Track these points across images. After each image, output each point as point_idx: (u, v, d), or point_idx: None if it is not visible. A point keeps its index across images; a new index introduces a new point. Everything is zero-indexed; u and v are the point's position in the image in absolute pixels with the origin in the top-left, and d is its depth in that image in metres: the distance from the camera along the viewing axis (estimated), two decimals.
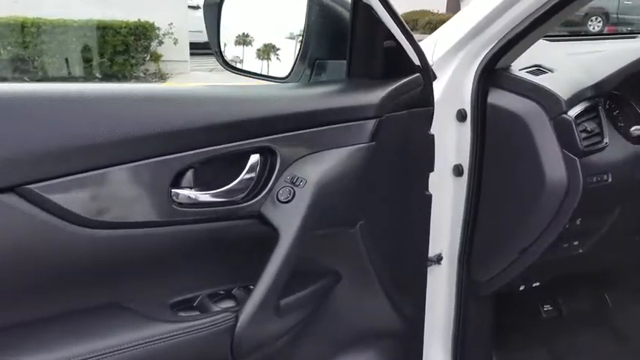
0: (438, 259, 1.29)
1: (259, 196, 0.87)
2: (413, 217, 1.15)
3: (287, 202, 0.86)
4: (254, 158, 0.87)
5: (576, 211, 1.12)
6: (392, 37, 1.00)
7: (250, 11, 1.16)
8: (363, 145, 0.95)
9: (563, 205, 1.11)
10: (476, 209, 1.23)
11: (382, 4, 0.97)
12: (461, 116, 1.20)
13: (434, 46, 1.23)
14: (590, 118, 1.13)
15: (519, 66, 1.22)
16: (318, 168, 0.90)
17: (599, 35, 1.91)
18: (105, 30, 7.96)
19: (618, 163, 1.14)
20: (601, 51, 1.34)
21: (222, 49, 1.16)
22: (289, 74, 1.11)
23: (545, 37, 1.55)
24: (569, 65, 1.25)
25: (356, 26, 1.01)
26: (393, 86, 1.01)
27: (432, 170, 1.17)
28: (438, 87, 1.20)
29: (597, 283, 1.59)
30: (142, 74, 8.27)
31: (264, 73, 1.16)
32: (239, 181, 0.86)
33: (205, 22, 1.16)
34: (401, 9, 1.01)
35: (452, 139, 1.22)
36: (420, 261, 1.20)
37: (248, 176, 0.87)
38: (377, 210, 1.05)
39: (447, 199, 1.25)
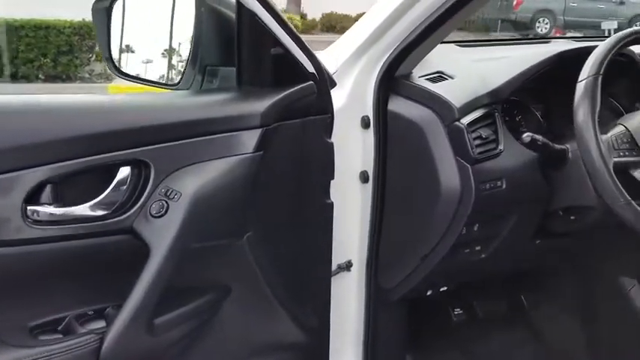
0: (348, 265, 1.28)
1: (131, 211, 0.84)
2: (313, 225, 1.14)
3: (159, 216, 0.83)
4: (125, 171, 0.84)
5: (472, 218, 1.12)
6: (280, 44, 0.98)
7: (141, 16, 1.13)
8: (248, 155, 0.93)
9: (457, 212, 1.11)
10: (381, 216, 1.23)
11: (268, 11, 0.94)
12: (364, 123, 1.20)
13: (338, 52, 1.22)
14: (486, 124, 1.14)
15: (423, 72, 1.23)
16: (196, 180, 0.87)
17: (513, 40, 1.93)
18: (48, 30, 7.73)
19: (513, 169, 1.14)
20: (509, 57, 1.35)
21: (114, 55, 1.12)
22: (180, 81, 1.08)
23: (458, 42, 1.57)
24: (470, 72, 1.26)
25: (241, 33, 0.99)
26: (282, 94, 0.98)
27: (332, 178, 1.16)
28: (342, 93, 1.19)
29: (514, 284, 1.61)
30: (87, 75, 8.07)
31: (157, 79, 1.13)
32: (106, 196, 0.82)
33: (95, 28, 1.12)
34: None
35: (357, 145, 1.21)
36: (323, 270, 1.19)
37: (117, 190, 0.83)
38: (268, 220, 1.02)
39: (355, 205, 1.24)
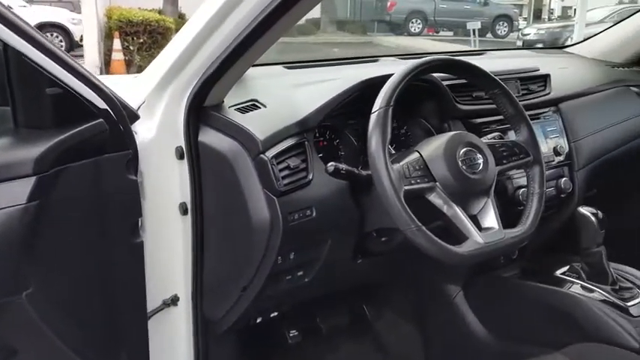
0: (174, 300, 1.24)
1: None
2: (121, 267, 1.09)
3: None
4: None
5: (286, 247, 1.12)
6: (58, 83, 0.91)
7: None
8: (20, 206, 0.86)
9: (269, 243, 1.11)
10: (202, 247, 1.20)
11: (40, 50, 0.88)
12: (179, 154, 1.16)
13: (146, 81, 1.17)
14: (296, 154, 1.14)
15: (236, 100, 1.21)
16: None
17: (341, 60, 1.94)
18: None
19: (323, 197, 1.15)
20: (330, 80, 1.36)
21: None
22: None
23: (286, 63, 1.56)
24: (284, 99, 1.26)
25: (11, 74, 0.91)
26: (63, 136, 0.92)
27: (140, 216, 1.11)
28: (153, 124, 1.15)
29: (355, 297, 1.64)
30: None
31: None
32: None
33: None
34: None
35: (174, 176, 1.18)
36: (136, 312, 1.14)
37: None
38: (59, 272, 0.96)
39: (176, 237, 1.20)
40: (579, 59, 1.94)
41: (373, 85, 1.21)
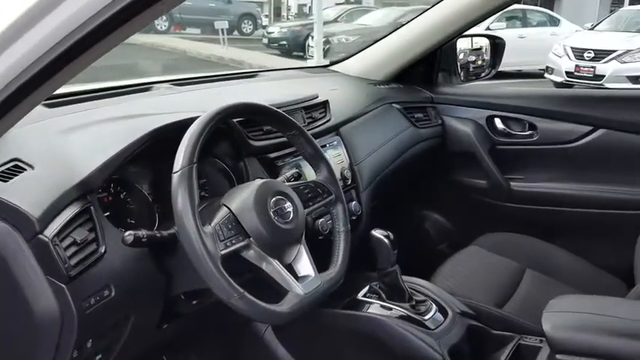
0: None
1: None
2: None
3: None
4: None
5: (82, 338, 0.94)
6: None
7: None
8: None
9: (61, 341, 0.91)
10: None
11: None
12: None
13: None
14: (82, 223, 0.96)
15: None
16: None
17: (110, 90, 1.71)
18: None
19: (122, 270, 1.00)
20: (106, 119, 1.17)
21: None
22: None
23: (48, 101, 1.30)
24: (56, 153, 1.04)
25: None
26: None
27: None
28: None
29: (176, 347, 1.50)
30: None
31: None
32: None
33: None
34: None
35: None
36: None
37: None
38: None
39: None
40: (345, 78, 2.03)
41: (166, 133, 1.09)
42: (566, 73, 8.61)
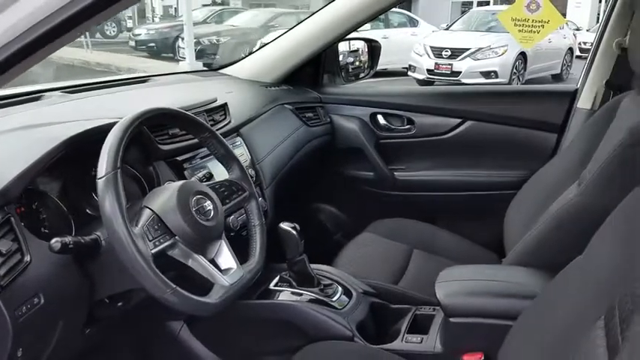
0: None
1: None
2: None
3: None
4: None
5: (14, 347, 0.94)
6: None
7: None
8: None
9: None
10: None
11: None
12: None
13: None
14: (4, 234, 0.96)
15: None
16: None
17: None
18: None
19: (49, 277, 1.00)
20: (11, 130, 1.15)
21: None
22: None
23: None
24: None
25: None
26: None
27: None
28: None
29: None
30: None
31: None
32: None
33: None
34: None
35: None
36: None
37: None
38: None
39: None
40: (237, 81, 2.11)
41: (82, 140, 1.11)
42: (427, 70, 9.30)
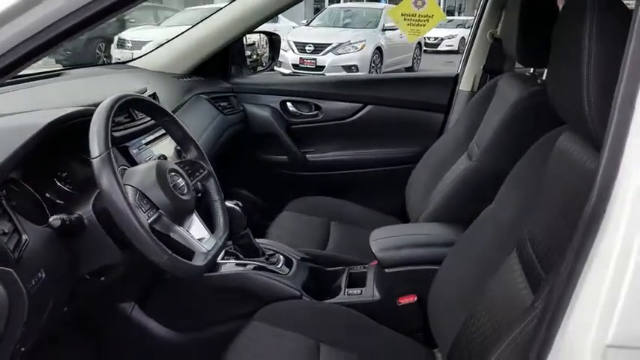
0: None
1: None
2: None
3: None
4: None
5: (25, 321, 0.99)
6: None
7: None
8: None
9: (9, 325, 0.95)
10: None
11: None
12: None
13: None
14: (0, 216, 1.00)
15: None
16: None
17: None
18: None
19: (45, 254, 1.04)
20: None
21: None
22: None
23: None
24: None
25: None
26: None
27: None
28: None
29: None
30: None
31: None
32: None
33: None
34: None
35: None
36: None
37: None
38: None
39: None
40: (150, 73, 2.14)
41: (60, 124, 1.16)
42: (293, 65, 9.58)
